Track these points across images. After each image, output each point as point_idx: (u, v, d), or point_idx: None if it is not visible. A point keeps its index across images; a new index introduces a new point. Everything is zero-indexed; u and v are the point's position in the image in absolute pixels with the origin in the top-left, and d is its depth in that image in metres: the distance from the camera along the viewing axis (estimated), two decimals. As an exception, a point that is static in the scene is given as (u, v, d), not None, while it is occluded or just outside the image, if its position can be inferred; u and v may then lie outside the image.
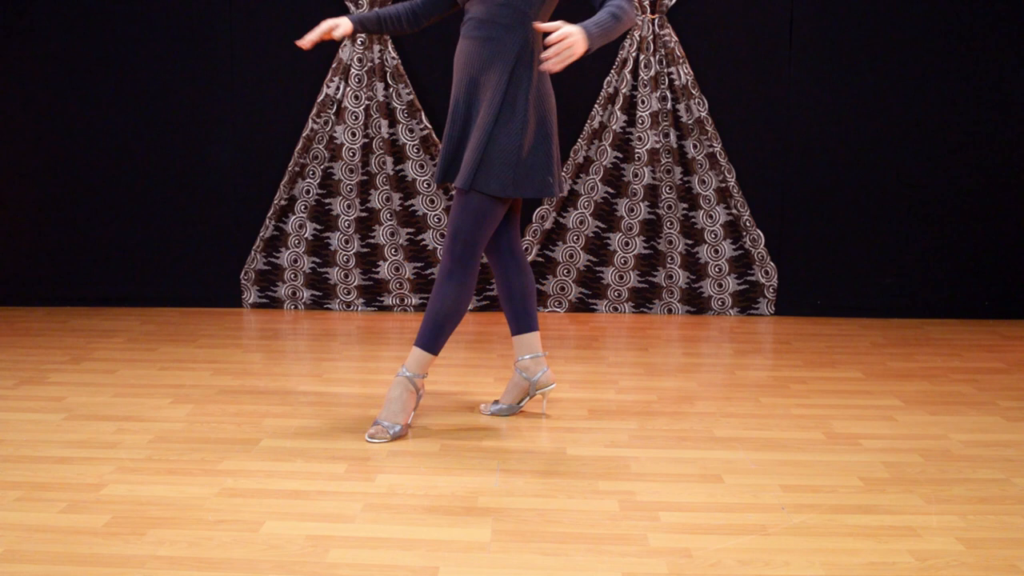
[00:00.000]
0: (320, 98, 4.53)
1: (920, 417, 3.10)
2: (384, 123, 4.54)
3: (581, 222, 4.63)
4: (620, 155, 4.59)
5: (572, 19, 2.62)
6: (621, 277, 4.67)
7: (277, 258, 4.73)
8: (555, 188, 2.83)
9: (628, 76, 4.49)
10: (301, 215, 4.66)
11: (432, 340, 2.85)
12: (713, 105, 4.52)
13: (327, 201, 4.66)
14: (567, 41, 2.51)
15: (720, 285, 4.65)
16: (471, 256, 2.80)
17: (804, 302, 4.69)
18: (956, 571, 2.04)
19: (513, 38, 2.75)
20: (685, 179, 4.59)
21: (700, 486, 2.50)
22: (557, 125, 2.86)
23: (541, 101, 2.80)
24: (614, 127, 4.54)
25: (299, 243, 4.69)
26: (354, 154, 4.59)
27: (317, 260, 4.71)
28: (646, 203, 4.60)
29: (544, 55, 2.54)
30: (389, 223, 4.64)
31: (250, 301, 4.77)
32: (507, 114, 2.74)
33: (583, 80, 4.49)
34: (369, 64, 4.52)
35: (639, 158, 4.55)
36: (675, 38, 4.46)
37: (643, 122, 4.51)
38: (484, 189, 2.75)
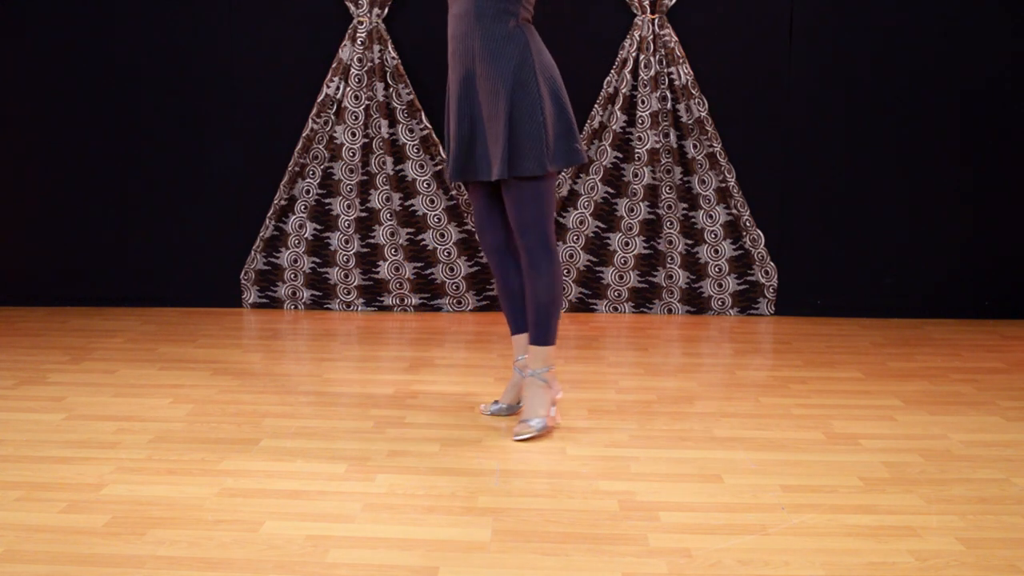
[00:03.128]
0: (320, 98, 4.53)
1: (920, 417, 3.10)
2: (384, 123, 4.54)
3: (581, 222, 4.63)
4: (620, 155, 4.58)
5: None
6: (621, 277, 4.67)
7: (277, 258, 4.73)
8: (583, 154, 2.85)
9: (628, 76, 4.49)
10: (301, 215, 4.66)
11: (545, 333, 2.86)
12: (713, 105, 4.52)
13: (327, 201, 4.66)
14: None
15: (720, 285, 4.65)
16: (548, 239, 2.82)
17: (804, 302, 4.69)
18: (956, 571, 2.04)
19: (507, 22, 2.75)
20: (685, 179, 4.59)
21: (700, 486, 2.50)
22: (566, 92, 2.85)
23: (547, 71, 2.80)
24: (614, 127, 4.53)
25: (299, 243, 4.68)
26: (354, 154, 4.59)
27: (317, 260, 4.71)
28: (646, 203, 4.59)
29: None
30: (389, 223, 4.63)
31: (250, 301, 4.77)
32: (521, 96, 2.74)
33: (583, 80, 4.48)
34: (369, 64, 4.52)
35: (639, 158, 4.55)
36: (675, 38, 4.46)
37: (643, 122, 4.50)
38: (525, 173, 2.75)
